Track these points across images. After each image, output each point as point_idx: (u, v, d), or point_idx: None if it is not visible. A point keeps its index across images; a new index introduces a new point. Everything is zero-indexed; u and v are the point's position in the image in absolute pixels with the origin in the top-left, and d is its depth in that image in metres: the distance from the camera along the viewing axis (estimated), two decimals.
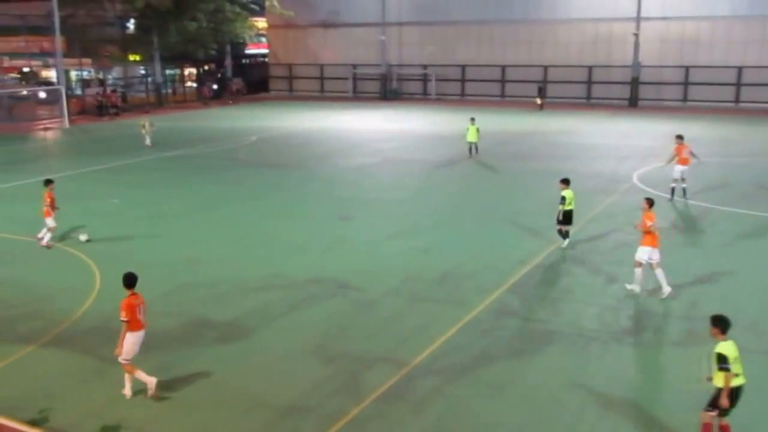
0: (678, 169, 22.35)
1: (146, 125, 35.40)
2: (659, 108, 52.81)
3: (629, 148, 32.93)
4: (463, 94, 61.75)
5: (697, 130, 39.31)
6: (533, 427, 9.55)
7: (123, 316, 10.02)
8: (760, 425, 9.62)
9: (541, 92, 54.10)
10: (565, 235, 17.41)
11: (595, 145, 34.52)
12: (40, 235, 17.69)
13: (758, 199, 22.67)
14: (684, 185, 22.36)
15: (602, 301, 13.99)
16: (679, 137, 22.83)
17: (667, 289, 13.88)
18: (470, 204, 22.57)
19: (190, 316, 13.19)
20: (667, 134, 37.73)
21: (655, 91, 55.12)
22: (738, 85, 52.83)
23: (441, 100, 60.85)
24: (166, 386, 10.55)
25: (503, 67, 59.89)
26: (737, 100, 52.89)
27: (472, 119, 31.77)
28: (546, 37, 58.07)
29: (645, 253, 14.02)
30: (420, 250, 17.38)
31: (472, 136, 30.98)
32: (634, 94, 54.71)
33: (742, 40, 52.28)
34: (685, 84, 54.40)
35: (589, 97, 56.92)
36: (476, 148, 31.13)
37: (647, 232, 14.03)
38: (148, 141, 34.87)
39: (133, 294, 10.19)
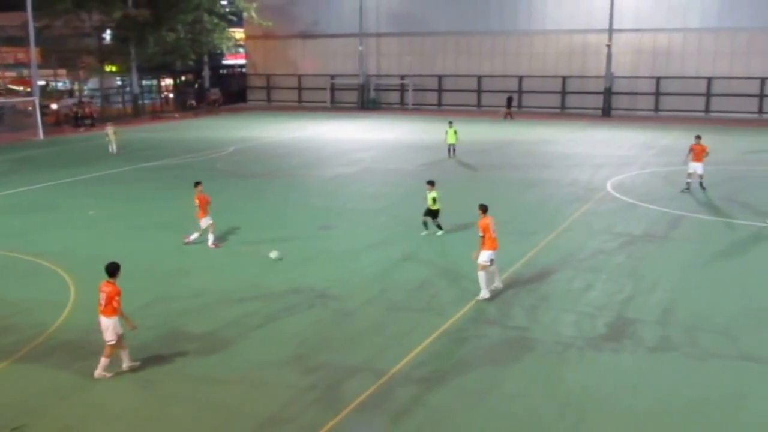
0: (692, 165, 24.69)
1: (110, 133, 35.79)
2: (632, 118, 53.37)
3: (603, 157, 33.19)
4: (440, 104, 61.99)
5: (670, 140, 39.83)
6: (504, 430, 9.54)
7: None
8: (729, 425, 9.66)
9: (510, 102, 54.44)
10: (436, 226, 19.32)
11: (570, 154, 34.76)
12: (191, 238, 18.54)
13: (728, 206, 22.92)
14: (700, 180, 24.75)
15: (579, 308, 14.01)
16: (698, 137, 25.13)
17: (485, 294, 14.21)
18: (448, 213, 22.53)
19: (168, 328, 13.02)
20: (641, 143, 38.29)
21: (628, 101, 55.74)
22: (708, 95, 53.59)
23: (418, 109, 61.03)
24: (145, 399, 10.40)
25: (480, 78, 60.25)
26: (707, 110, 53.62)
27: (450, 122, 33.64)
28: (522, 48, 58.52)
29: (486, 256, 14.20)
30: (398, 259, 17.33)
31: (450, 139, 32.96)
32: (607, 104, 55.23)
33: (711, 52, 53.07)
34: (657, 94, 55.07)
35: (563, 107, 57.40)
36: (454, 150, 33.10)
37: (486, 236, 14.23)
38: (113, 148, 35.51)
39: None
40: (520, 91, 58.82)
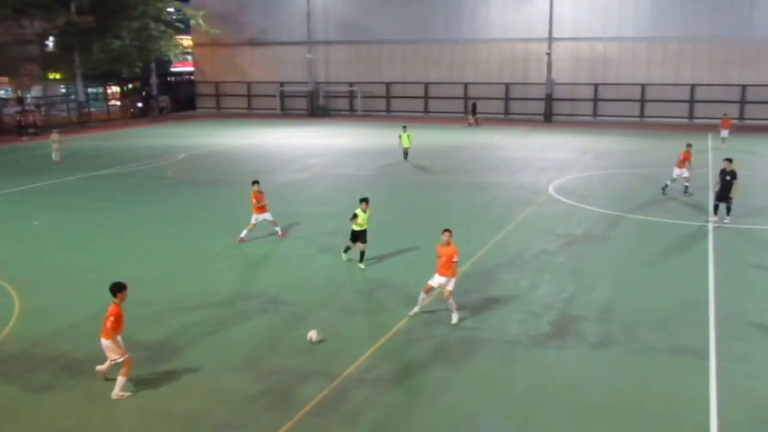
0: (677, 171, 25.36)
1: (55, 140, 35.05)
2: (572, 123, 54.45)
3: (545, 161, 33.77)
4: (388, 111, 62.19)
5: (607, 144, 40.77)
6: (462, 430, 9.62)
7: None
8: (667, 415, 9.91)
9: (475, 109, 54.95)
10: (360, 254, 16.91)
11: (514, 158, 35.26)
12: (242, 235, 19.20)
13: (662, 206, 23.56)
14: (686, 183, 25.36)
15: (525, 307, 14.21)
16: (689, 145, 25.97)
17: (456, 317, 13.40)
18: (399, 216, 22.65)
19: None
20: (580, 148, 39.05)
21: (568, 107, 56.83)
22: (642, 101, 55.04)
23: (367, 116, 61.09)
24: (94, 411, 10.15)
25: (426, 85, 60.68)
26: (642, 115, 55.06)
27: (404, 127, 34.65)
28: (467, 55, 59.15)
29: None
30: (349, 262, 17.31)
31: (405, 143, 33.87)
32: (548, 109, 56.23)
33: (645, 60, 54.54)
34: (595, 100, 56.31)
35: (507, 112, 58.18)
36: (406, 153, 34.04)
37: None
38: (56, 156, 34.74)
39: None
40: (465, 98, 59.44)
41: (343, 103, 64.05)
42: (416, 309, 13.73)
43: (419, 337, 12.64)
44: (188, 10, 61.57)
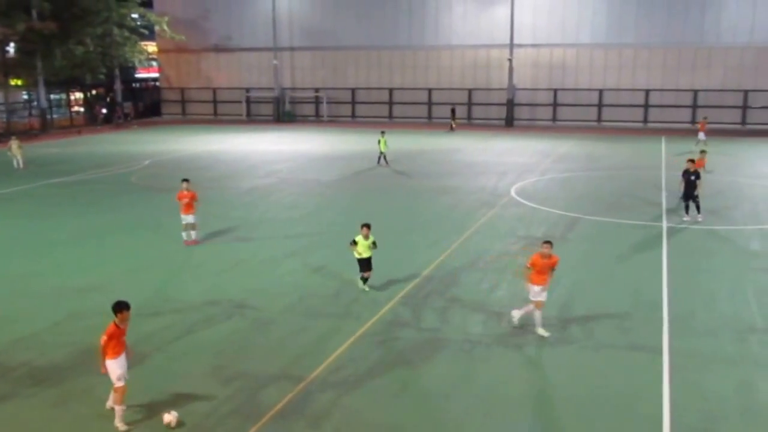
0: None
1: (13, 147, 34.27)
2: (532, 127, 55.12)
3: (507, 165, 34.10)
4: (353, 116, 62.23)
5: (567, 147, 41.32)
6: (426, 429, 9.68)
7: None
8: (623, 408, 10.08)
9: (453, 114, 55.29)
10: (362, 280, 15.45)
11: (477, 162, 35.53)
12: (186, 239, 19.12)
13: (619, 208, 23.94)
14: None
15: (487, 307, 14.32)
16: (702, 152, 25.26)
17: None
18: (363, 220, 22.61)
19: (81, 346, 12.37)
20: (541, 151, 39.51)
21: (528, 112, 57.51)
22: (599, 106, 55.92)
23: (333, 121, 61.07)
24: (57, 419, 9.98)
25: (391, 90, 60.85)
26: (599, 120, 55.94)
27: (382, 132, 34.59)
28: (430, 61, 59.50)
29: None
30: (316, 267, 17.27)
31: (382, 147, 33.75)
32: (510, 114, 56.80)
33: (602, 66, 55.46)
34: (555, 105, 57.05)
35: (470, 117, 58.63)
36: (385, 158, 34.00)
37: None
38: (18, 163, 34.04)
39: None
40: (429, 103, 59.78)
41: (308, 109, 63.91)
42: (543, 332, 12.85)
43: (384, 340, 12.66)
44: (152, 16, 60.86)
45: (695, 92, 53.42)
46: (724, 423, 9.78)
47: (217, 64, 65.47)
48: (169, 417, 9.61)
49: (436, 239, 19.62)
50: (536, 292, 12.80)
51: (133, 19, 60.14)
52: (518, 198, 25.70)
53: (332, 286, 15.75)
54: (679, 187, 22.07)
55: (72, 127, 57.31)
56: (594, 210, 23.59)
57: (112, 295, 15.01)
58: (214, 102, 66.44)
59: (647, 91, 54.47)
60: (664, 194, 26.07)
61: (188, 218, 19.09)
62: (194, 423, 9.75)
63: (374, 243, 15.11)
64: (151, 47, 66.24)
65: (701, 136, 39.28)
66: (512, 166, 33.52)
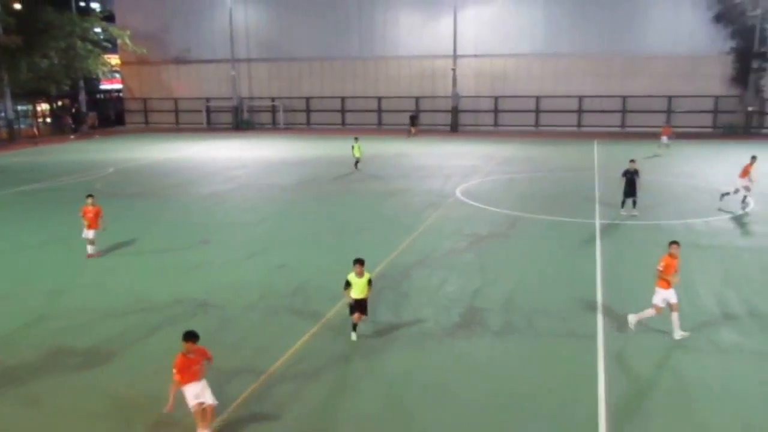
0: (739, 182, 23.65)
1: None
2: (476, 132, 55.74)
3: (452, 168, 34.39)
4: (308, 124, 62.01)
5: (508, 151, 41.90)
6: (382, 416, 9.70)
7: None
8: (563, 392, 10.30)
9: (413, 120, 55.39)
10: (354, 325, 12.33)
11: (424, 165, 35.74)
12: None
13: (557, 206, 24.38)
14: (746, 193, 23.61)
15: (436, 301, 14.44)
16: (753, 157, 24.01)
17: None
18: (320, 222, 22.62)
19: (50, 346, 12.13)
20: (484, 155, 39.97)
21: (472, 118, 58.12)
22: (537, 111, 56.88)
23: (289, 129, 60.73)
24: (30, 416, 9.72)
25: (343, 99, 60.83)
26: (537, 125, 56.90)
27: (356, 138, 34.95)
28: (379, 71, 59.67)
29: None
30: (275, 266, 17.16)
31: (356, 153, 33.85)
32: (454, 120, 57.33)
33: (539, 74, 56.42)
34: (496, 111, 57.80)
35: (415, 123, 58.95)
36: (357, 163, 33.97)
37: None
38: None
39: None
40: (379, 111, 59.93)
41: (266, 117, 63.46)
42: (680, 333, 12.22)
43: (341, 334, 12.65)
44: (114, 30, 59.59)
45: (624, 98, 54.77)
46: (654, 402, 10.06)
47: (178, 75, 64.50)
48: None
49: (387, 238, 19.69)
50: (670, 294, 12.11)
51: (96, 33, 58.82)
52: (463, 199, 25.95)
53: (291, 284, 15.66)
54: (620, 184, 22.68)
55: (38, 136, 55.57)
56: (534, 209, 23.98)
57: (76, 297, 14.84)
58: (176, 111, 65.42)
59: (581, 98, 55.63)
60: (597, 193, 26.66)
61: (89, 233, 17.98)
62: (163, 416, 9.60)
63: (370, 281, 12.12)
64: (114, 60, 64.89)
65: (664, 139, 40.35)
66: (457, 169, 33.84)
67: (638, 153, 35.08)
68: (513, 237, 20.21)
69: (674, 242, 12.32)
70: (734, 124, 52.14)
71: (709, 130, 52.94)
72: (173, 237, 20.54)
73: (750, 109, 52.29)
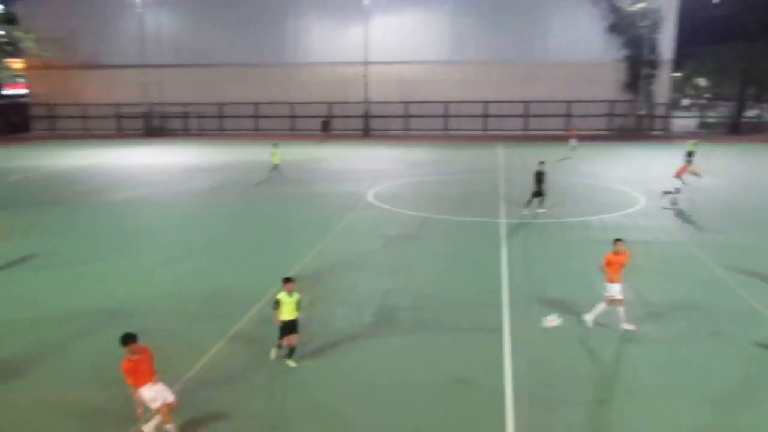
0: (675, 182, 24.79)
1: None
2: (387, 137, 56.36)
3: (365, 172, 34.69)
4: (222, 130, 60.91)
5: (417, 155, 42.63)
6: (299, 417, 9.78)
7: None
8: (472, 383, 10.70)
9: (326, 126, 55.08)
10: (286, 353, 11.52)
11: (337, 170, 35.87)
12: None
13: (464, 207, 25.02)
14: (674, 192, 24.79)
15: (349, 301, 14.61)
16: (689, 160, 25.21)
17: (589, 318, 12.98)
18: (233, 228, 22.35)
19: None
20: (394, 159, 40.50)
21: (383, 123, 58.75)
22: (445, 116, 58.16)
23: (202, 135, 59.45)
24: None
25: (256, 105, 60.12)
26: (445, 129, 58.18)
27: (275, 144, 34.30)
28: (292, 78, 59.36)
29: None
30: (188, 273, 16.87)
31: (275, 159, 33.04)
32: (366, 125, 57.80)
33: (445, 81, 57.72)
34: (406, 117, 58.67)
35: (328, 129, 59.07)
36: (277, 169, 33.16)
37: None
38: None
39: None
40: (292, 117, 59.64)
41: (178, 124, 61.86)
42: (628, 326, 12.68)
43: (255, 338, 12.61)
44: (18, 33, 56.60)
45: (526, 103, 56.82)
46: (559, 387, 10.59)
47: (87, 80, 61.91)
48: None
49: (301, 243, 19.71)
50: (617, 289, 12.45)
51: None
52: (375, 201, 26.26)
53: (205, 290, 15.46)
54: (534, 185, 23.64)
55: None
56: (442, 210, 24.55)
57: None
58: (85, 118, 62.75)
59: (486, 103, 57.30)
60: (502, 193, 27.59)
61: None
62: (75, 428, 9.34)
63: (299, 302, 11.37)
64: (17, 64, 61.54)
65: (572, 142, 41.87)
66: (369, 173, 34.16)
67: (542, 155, 36.35)
68: (423, 237, 20.62)
69: (618, 239, 12.60)
70: (627, 127, 55.09)
71: (605, 132, 55.69)
72: (83, 246, 19.79)
73: (641, 112, 55.44)
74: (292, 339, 11.36)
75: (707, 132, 56.91)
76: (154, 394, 9.02)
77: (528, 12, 55.71)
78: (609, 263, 12.45)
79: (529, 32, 55.96)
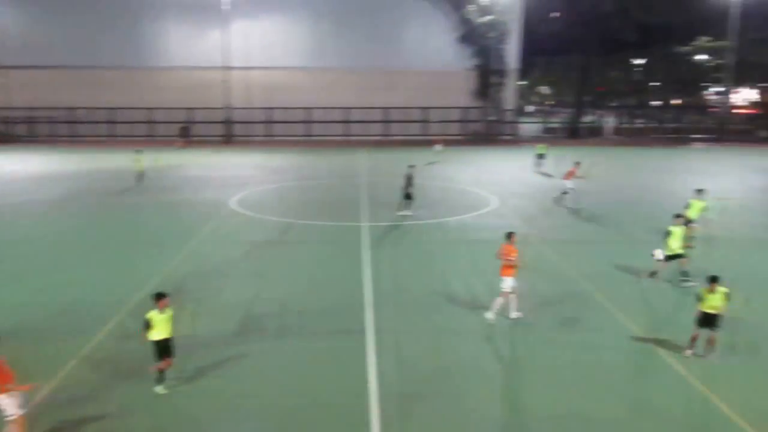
0: (567, 183, 26.41)
1: None
2: (250, 143, 55.50)
3: (227, 178, 33.94)
4: (74, 136, 57.02)
5: (280, 160, 42.39)
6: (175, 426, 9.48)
7: None
8: (337, 383, 10.85)
9: (185, 132, 52.84)
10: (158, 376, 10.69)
11: (198, 177, 34.82)
12: None
13: (326, 211, 25.14)
14: (567, 193, 26.41)
15: (213, 310, 14.21)
16: (577, 163, 27.13)
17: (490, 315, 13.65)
18: (88, 239, 21.04)
19: None
20: (257, 165, 39.99)
21: (245, 129, 57.76)
22: (307, 122, 58.23)
23: (52, 141, 55.37)
24: None
25: (111, 109, 56.91)
26: (308, 134, 58.25)
27: (138, 151, 32.58)
28: (149, 81, 56.91)
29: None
30: (36, 288, 15.68)
31: (139, 165, 31.76)
32: (228, 131, 56.57)
33: (309, 86, 57.86)
34: (269, 122, 58.09)
35: (187, 135, 57.11)
36: (142, 176, 31.83)
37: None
38: None
39: None
40: (151, 122, 57.07)
41: (23, 129, 57.17)
42: (516, 313, 13.61)
43: (112, 354, 11.99)
44: None
45: (385, 109, 58.19)
46: (425, 384, 10.92)
47: None
48: None
49: (162, 251, 18.97)
50: (510, 281, 13.33)
51: None
52: (238, 208, 25.80)
53: (55, 306, 14.45)
54: (404, 188, 24.20)
55: None
56: (305, 215, 24.57)
57: None
58: None
59: (347, 109, 58.01)
60: (365, 197, 28.08)
61: None
62: None
63: (171, 318, 10.56)
64: None
65: (437, 147, 43.21)
66: (231, 180, 33.48)
67: (405, 159, 37.60)
68: (286, 243, 20.53)
69: (511, 233, 13.63)
70: (479, 132, 57.99)
71: (459, 137, 58.24)
72: None
73: (491, 118, 58.61)
74: (165, 363, 10.48)
75: (551, 136, 61.15)
76: (17, 400, 8.61)
77: (385, 21, 57.17)
78: (507, 252, 13.31)
79: (385, 40, 57.45)
